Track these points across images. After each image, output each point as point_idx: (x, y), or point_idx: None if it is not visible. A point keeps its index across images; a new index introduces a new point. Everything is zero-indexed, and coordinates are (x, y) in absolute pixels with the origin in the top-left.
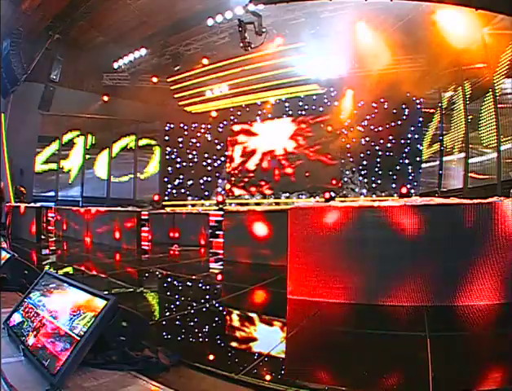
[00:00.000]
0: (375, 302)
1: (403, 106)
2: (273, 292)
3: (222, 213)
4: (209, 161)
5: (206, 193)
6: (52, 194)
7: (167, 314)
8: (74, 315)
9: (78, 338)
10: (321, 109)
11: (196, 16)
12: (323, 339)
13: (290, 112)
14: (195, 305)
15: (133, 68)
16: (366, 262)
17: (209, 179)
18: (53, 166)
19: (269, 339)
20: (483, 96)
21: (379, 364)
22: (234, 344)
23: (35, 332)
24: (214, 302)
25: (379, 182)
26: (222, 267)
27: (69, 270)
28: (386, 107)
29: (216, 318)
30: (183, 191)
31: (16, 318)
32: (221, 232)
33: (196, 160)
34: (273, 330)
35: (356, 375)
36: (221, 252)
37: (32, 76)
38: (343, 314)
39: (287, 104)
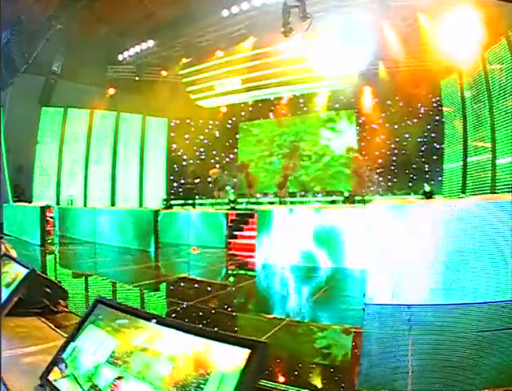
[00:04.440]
0: (468, 301)
1: (420, 104)
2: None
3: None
4: (217, 158)
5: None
6: (53, 192)
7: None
8: (193, 379)
9: None
10: (337, 106)
11: (210, 7)
12: (419, 348)
13: (305, 108)
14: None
15: (139, 61)
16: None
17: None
18: None
19: (354, 353)
20: (508, 95)
21: None
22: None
23: None
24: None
25: (395, 180)
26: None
27: (101, 284)
28: (401, 104)
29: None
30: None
31: (60, 377)
32: (239, 232)
33: (203, 157)
34: (355, 341)
35: None
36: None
37: (32, 68)
38: (434, 318)
39: (301, 100)
